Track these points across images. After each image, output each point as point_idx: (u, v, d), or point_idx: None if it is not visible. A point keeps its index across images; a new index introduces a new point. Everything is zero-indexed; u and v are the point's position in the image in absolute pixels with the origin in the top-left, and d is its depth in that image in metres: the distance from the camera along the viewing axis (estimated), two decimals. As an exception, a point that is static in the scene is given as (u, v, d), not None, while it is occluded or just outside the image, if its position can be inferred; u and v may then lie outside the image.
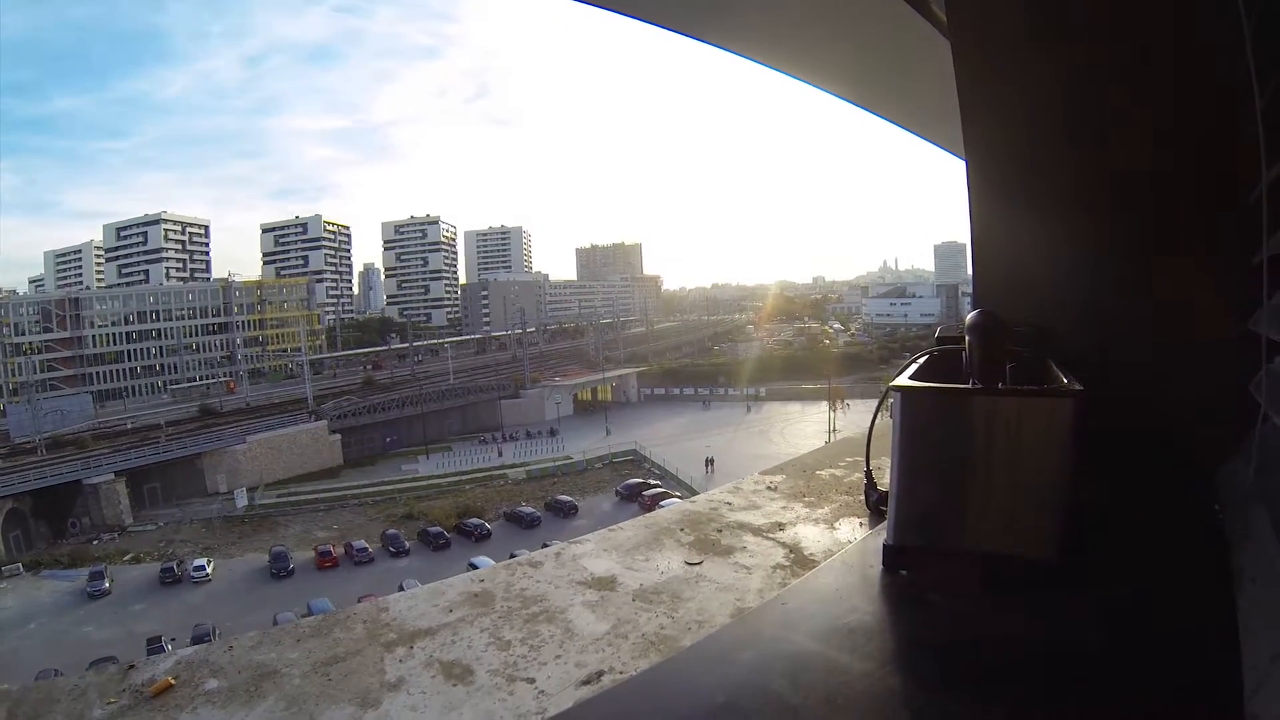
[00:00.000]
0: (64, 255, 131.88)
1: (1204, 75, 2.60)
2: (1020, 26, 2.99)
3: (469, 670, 2.13)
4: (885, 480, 2.74)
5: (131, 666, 2.25)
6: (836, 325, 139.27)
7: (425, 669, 2.15)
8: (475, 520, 48.85)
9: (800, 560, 2.82)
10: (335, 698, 2.01)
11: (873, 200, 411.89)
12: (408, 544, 46.01)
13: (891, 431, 2.43)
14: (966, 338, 2.39)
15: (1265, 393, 2.10)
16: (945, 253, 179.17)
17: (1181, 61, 2.67)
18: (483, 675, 2.11)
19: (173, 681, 2.12)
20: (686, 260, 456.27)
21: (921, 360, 2.78)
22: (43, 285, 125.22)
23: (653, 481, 54.50)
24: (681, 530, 3.21)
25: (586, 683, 2.05)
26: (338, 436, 68.29)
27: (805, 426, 70.75)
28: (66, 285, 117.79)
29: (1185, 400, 2.72)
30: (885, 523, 2.53)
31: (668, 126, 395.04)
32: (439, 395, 78.36)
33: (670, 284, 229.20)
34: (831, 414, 67.78)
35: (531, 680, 2.07)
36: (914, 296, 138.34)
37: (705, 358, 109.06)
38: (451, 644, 2.30)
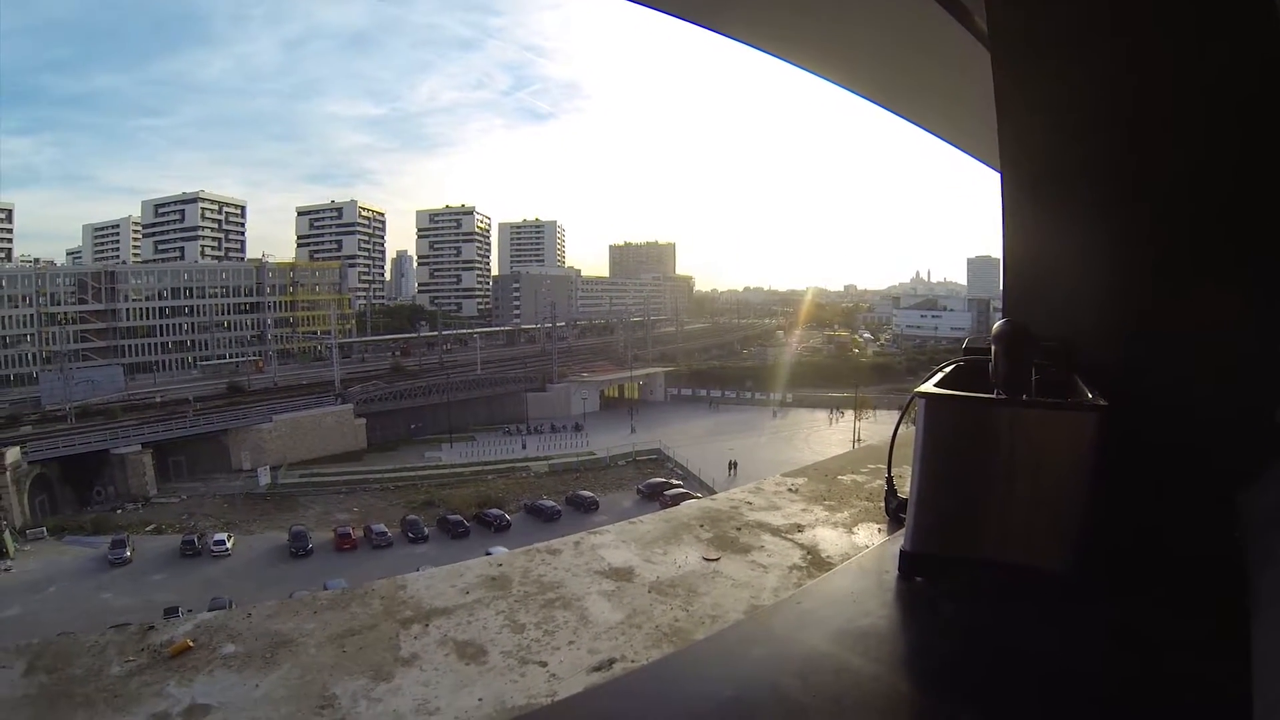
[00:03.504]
0: (102, 229, 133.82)
1: (1245, 99, 2.57)
2: (1060, 35, 2.96)
3: (482, 650, 2.17)
4: (906, 488, 2.73)
5: (151, 627, 2.30)
6: (866, 334, 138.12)
7: (439, 647, 2.18)
8: (495, 511, 48.96)
9: (817, 562, 2.82)
10: (349, 669, 2.05)
11: (908, 210, 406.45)
12: (427, 530, 46.18)
13: (914, 439, 2.43)
14: (992, 347, 2.38)
15: None
16: (978, 267, 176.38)
17: (1225, 82, 2.63)
18: (495, 656, 2.14)
19: (191, 644, 2.17)
20: (719, 262, 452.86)
21: (948, 369, 2.77)
22: (80, 258, 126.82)
23: (675, 481, 54.21)
24: (701, 526, 3.23)
25: (598, 669, 2.07)
26: (363, 420, 68.81)
27: (830, 434, 70.21)
28: (103, 259, 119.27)
29: (1209, 423, 2.66)
30: (904, 529, 2.53)
31: (706, 128, 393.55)
32: (466, 385, 78.72)
33: (702, 285, 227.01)
34: (853, 422, 67.40)
35: (544, 664, 2.10)
36: (945, 309, 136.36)
37: (734, 361, 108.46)
38: (467, 624, 2.33)
